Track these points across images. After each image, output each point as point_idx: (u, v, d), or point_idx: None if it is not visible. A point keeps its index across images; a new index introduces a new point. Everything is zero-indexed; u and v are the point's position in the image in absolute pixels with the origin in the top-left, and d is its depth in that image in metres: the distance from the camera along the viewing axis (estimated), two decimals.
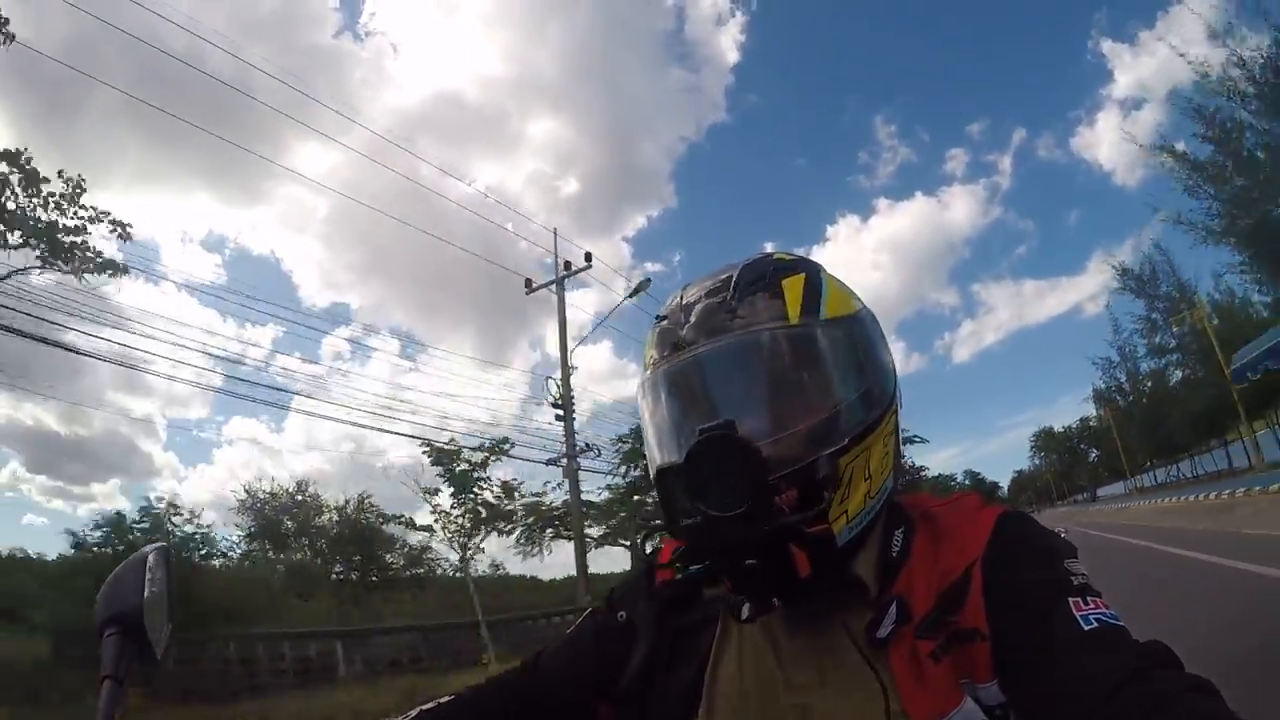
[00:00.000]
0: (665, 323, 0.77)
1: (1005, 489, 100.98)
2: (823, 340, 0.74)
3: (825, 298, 0.76)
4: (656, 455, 0.76)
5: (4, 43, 10.65)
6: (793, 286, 0.75)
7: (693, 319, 0.74)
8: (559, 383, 17.08)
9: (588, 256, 17.84)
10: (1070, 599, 0.64)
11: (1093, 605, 0.64)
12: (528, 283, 18.42)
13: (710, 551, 0.67)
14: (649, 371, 0.77)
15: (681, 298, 0.78)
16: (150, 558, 0.78)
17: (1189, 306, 27.18)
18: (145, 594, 0.75)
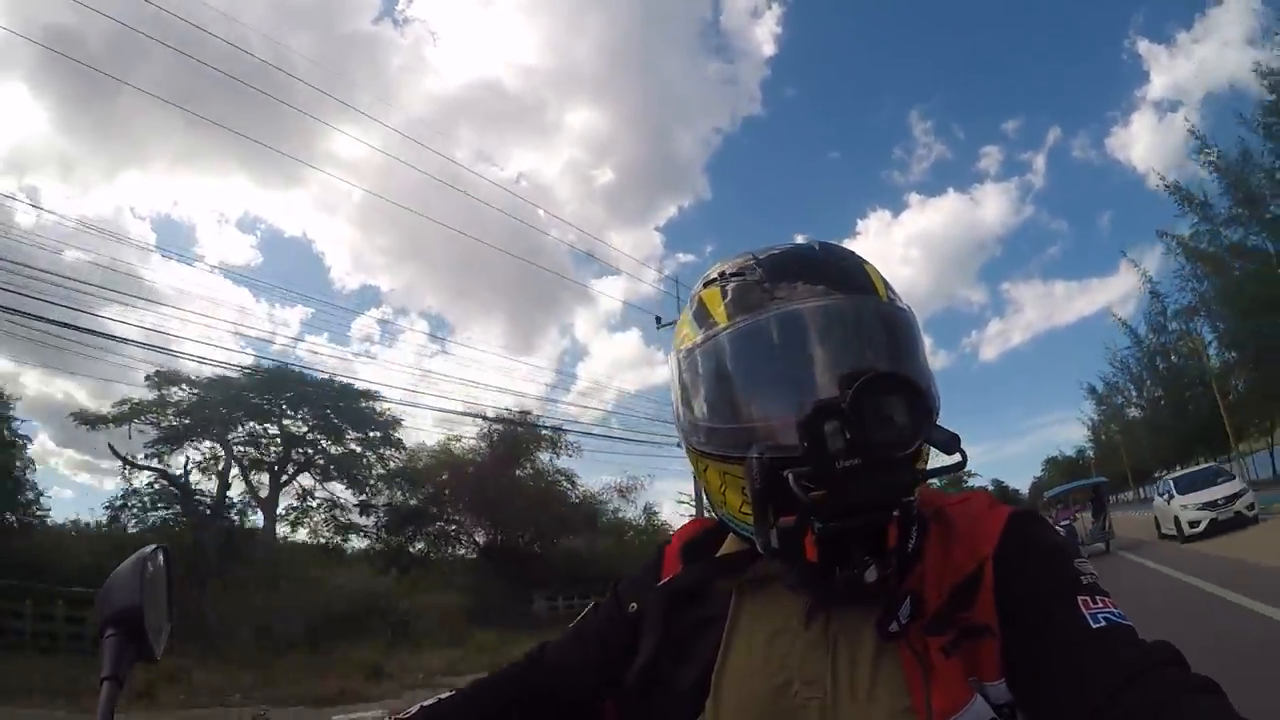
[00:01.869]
0: (745, 280, 0.75)
1: (1025, 494, 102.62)
2: (916, 324, 0.77)
3: (893, 289, 0.79)
4: (798, 393, 0.69)
5: None
6: (873, 270, 0.78)
7: (804, 277, 0.73)
8: None
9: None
10: (1080, 597, 0.64)
11: (1101, 604, 0.64)
12: (657, 320, 23.22)
13: (859, 500, 0.62)
14: (748, 317, 0.72)
15: (755, 258, 0.77)
16: (150, 558, 0.77)
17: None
18: (145, 594, 0.74)
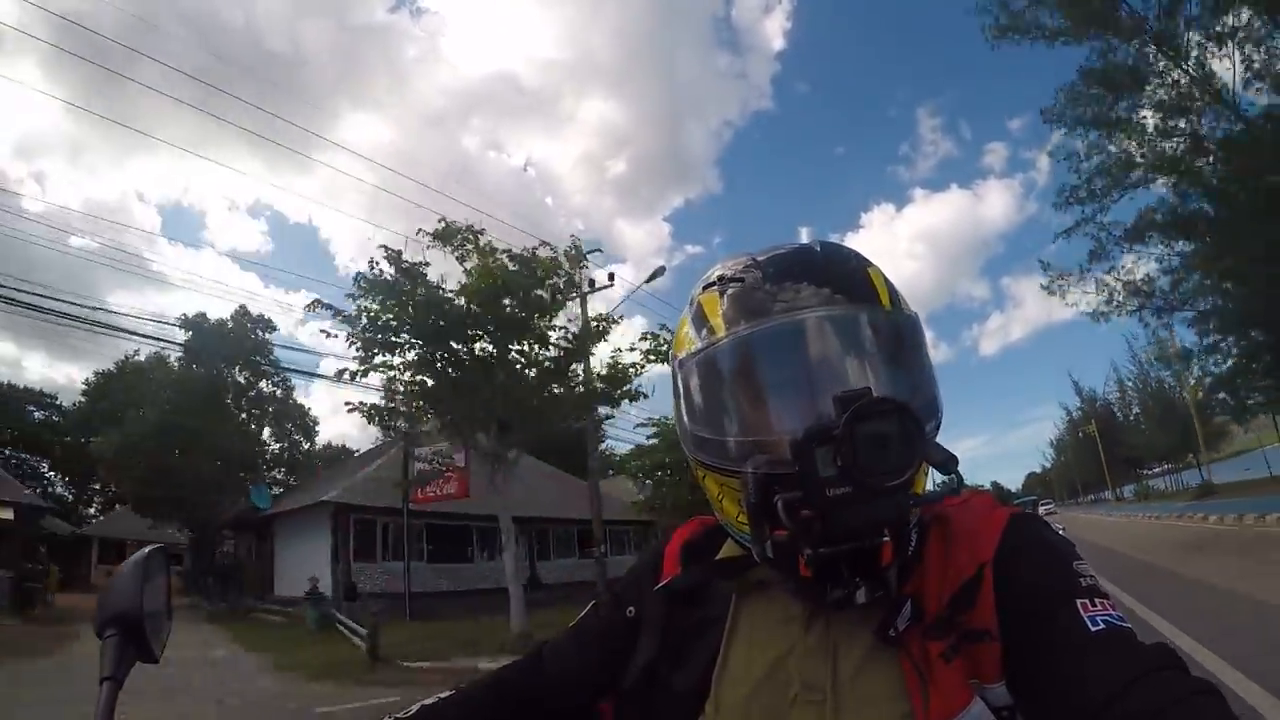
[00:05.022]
0: (744, 285, 0.74)
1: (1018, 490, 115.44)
2: (919, 332, 0.77)
3: (899, 294, 0.77)
4: (784, 417, 0.69)
5: None
6: (877, 275, 0.76)
7: (806, 281, 0.72)
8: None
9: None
10: (1079, 601, 0.64)
11: (1100, 607, 0.63)
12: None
13: (848, 528, 0.61)
14: (746, 325, 0.72)
15: (755, 261, 0.76)
16: (148, 559, 0.77)
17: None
18: (144, 595, 0.74)
